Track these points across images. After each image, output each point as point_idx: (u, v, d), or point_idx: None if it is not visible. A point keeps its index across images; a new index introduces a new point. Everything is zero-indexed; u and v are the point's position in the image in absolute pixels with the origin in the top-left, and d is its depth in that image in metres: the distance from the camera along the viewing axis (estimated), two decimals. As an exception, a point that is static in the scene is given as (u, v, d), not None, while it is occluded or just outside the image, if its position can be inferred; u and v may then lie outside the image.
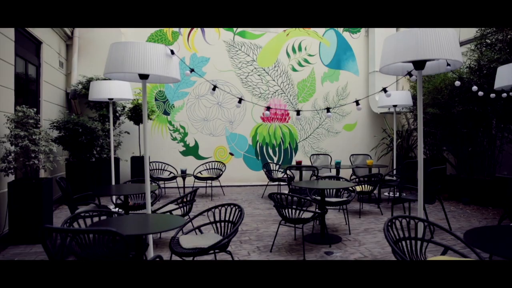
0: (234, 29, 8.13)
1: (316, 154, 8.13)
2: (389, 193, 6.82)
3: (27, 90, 5.39)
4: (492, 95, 4.52)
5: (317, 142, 8.64)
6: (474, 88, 4.07)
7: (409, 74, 2.98)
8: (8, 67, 4.46)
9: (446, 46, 2.48)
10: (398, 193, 6.10)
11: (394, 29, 8.66)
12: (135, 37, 7.53)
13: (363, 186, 5.28)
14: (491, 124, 6.04)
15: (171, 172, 7.04)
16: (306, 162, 8.19)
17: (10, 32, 4.58)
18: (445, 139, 6.70)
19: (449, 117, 6.22)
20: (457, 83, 3.73)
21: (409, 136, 7.89)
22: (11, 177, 4.26)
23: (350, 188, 4.55)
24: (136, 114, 6.87)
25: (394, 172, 6.52)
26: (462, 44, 6.89)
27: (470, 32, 6.45)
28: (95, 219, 2.66)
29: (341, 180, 4.87)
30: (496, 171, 6.12)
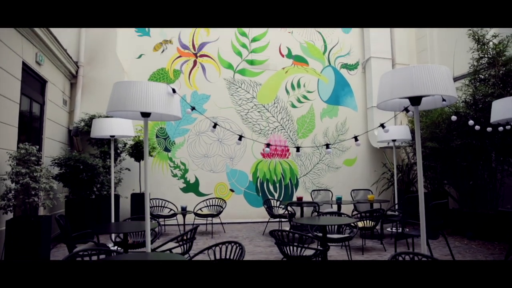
0: (234, 66, 8.35)
1: (317, 190, 8.09)
2: (391, 229, 6.72)
3: (30, 127, 5.47)
4: (489, 129, 4.58)
5: (318, 177, 8.63)
6: (471, 122, 4.14)
7: (406, 110, 3.03)
8: (13, 105, 4.56)
9: (440, 82, 2.55)
10: (400, 229, 6.02)
11: (390, 65, 8.89)
12: (138, 75, 7.73)
13: (365, 221, 5.22)
14: (491, 157, 6.06)
15: (171, 209, 6.98)
16: (307, 198, 8.14)
17: (18, 71, 4.72)
18: (445, 172, 6.69)
19: (448, 151, 6.25)
20: (454, 117, 3.79)
21: (410, 170, 7.89)
22: (10, 215, 4.23)
23: (352, 224, 4.50)
24: (137, 150, 6.92)
25: (396, 207, 6.46)
26: (456, 79, 7.06)
27: (463, 68, 6.62)
28: (94, 258, 2.62)
29: (342, 216, 4.82)
30: (499, 205, 6.07)
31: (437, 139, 6.29)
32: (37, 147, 4.44)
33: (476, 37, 5.97)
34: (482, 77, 5.89)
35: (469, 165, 6.13)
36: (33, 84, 5.53)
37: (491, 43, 5.87)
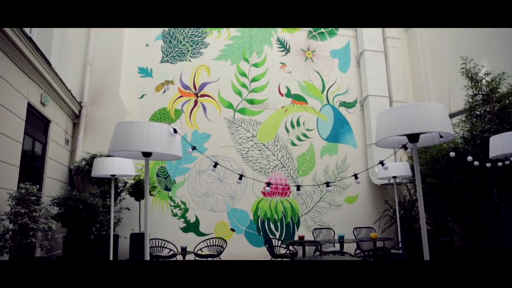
0: (235, 106, 8.50)
1: (318, 228, 7.97)
2: (396, 268, 6.54)
3: (32, 166, 5.49)
4: (488, 165, 4.59)
5: (319, 215, 8.53)
6: (469, 158, 4.16)
7: (404, 147, 3.07)
8: (16, 145, 4.61)
9: (437, 119, 2.60)
10: (406, 268, 5.86)
11: (388, 103, 9.06)
12: (140, 115, 7.85)
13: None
14: (493, 193, 6.03)
15: (171, 250, 6.84)
16: (308, 236, 8.00)
17: (23, 112, 4.82)
18: (448, 209, 6.63)
19: (450, 187, 6.23)
20: (452, 154, 3.82)
21: (412, 207, 7.81)
22: (6, 257, 4.15)
23: (356, 263, 4.40)
24: (137, 190, 6.89)
25: (400, 245, 6.34)
26: (453, 115, 7.17)
27: (459, 104, 6.74)
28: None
29: (345, 255, 4.72)
30: (505, 241, 5.95)
31: (437, 175, 6.29)
32: (38, 186, 4.44)
33: (469, 74, 6.13)
34: (478, 113, 5.99)
35: (471, 201, 6.09)
36: (37, 124, 5.62)
37: (484, 80, 6.03)
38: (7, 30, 4.13)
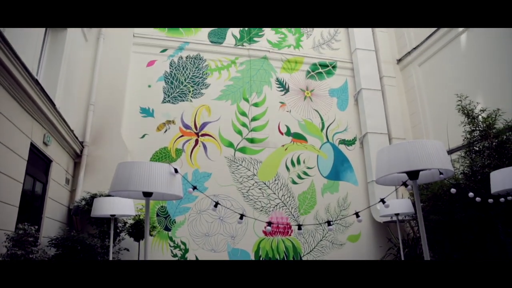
0: (235, 145, 8.57)
1: (322, 268, 7.75)
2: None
3: (31, 206, 5.46)
4: (490, 201, 4.56)
5: (322, 255, 8.34)
6: (471, 194, 4.15)
7: (405, 184, 3.08)
8: (16, 185, 4.61)
9: (436, 156, 2.63)
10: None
11: (387, 140, 9.12)
12: (141, 154, 7.89)
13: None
14: (498, 229, 5.93)
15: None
16: (312, 277, 7.77)
17: (25, 152, 4.87)
18: (453, 246, 6.49)
19: (453, 224, 6.14)
20: (453, 190, 3.82)
21: (416, 245, 7.65)
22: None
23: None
24: (137, 230, 6.79)
25: (406, 285, 6.14)
26: (452, 151, 7.20)
27: (458, 140, 6.80)
28: None
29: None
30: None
31: (440, 212, 6.22)
32: (36, 227, 4.40)
33: (466, 111, 6.23)
34: (477, 148, 6.03)
35: (476, 238, 5.98)
36: (38, 163, 5.65)
37: (480, 116, 6.12)
38: (15, 72, 4.26)
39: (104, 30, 8.30)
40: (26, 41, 5.00)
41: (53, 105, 5.59)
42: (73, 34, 6.93)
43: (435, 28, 8.73)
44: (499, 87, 7.08)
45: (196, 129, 8.52)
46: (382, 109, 9.43)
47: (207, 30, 9.37)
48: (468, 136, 6.19)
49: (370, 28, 10.22)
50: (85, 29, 7.62)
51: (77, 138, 7.06)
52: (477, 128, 6.09)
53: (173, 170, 2.96)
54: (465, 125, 6.28)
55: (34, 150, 5.31)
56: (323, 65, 9.86)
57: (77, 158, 7.42)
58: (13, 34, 4.29)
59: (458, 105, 6.37)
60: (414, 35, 9.67)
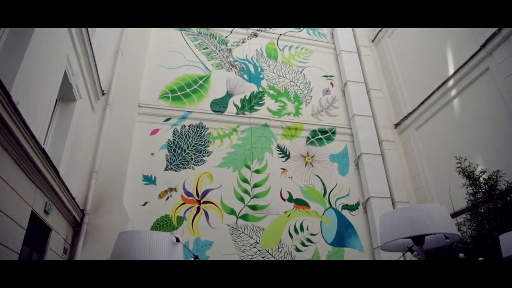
0: (237, 212, 8.47)
1: None
2: None
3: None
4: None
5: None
6: (461, 255, 4.00)
7: (410, 250, 3.00)
8: (12, 256, 4.50)
9: (440, 220, 2.60)
10: None
11: (390, 204, 9.02)
12: (142, 223, 7.77)
13: None
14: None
15: None
16: None
17: (25, 221, 4.82)
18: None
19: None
20: (461, 255, 3.69)
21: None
22: None
23: None
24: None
25: None
26: (457, 214, 7.08)
27: (462, 202, 6.72)
28: None
29: None
30: None
31: (452, 280, 5.95)
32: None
33: (466, 173, 6.26)
34: (482, 211, 5.95)
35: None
36: (37, 232, 5.56)
37: (481, 178, 6.13)
38: (24, 142, 4.38)
39: (111, 100, 8.66)
40: (37, 111, 5.21)
41: (57, 173, 5.65)
42: (82, 105, 7.23)
43: (429, 94, 9.10)
44: (497, 149, 7.18)
45: (198, 196, 8.48)
46: (383, 173, 9.47)
47: (209, 100, 9.76)
48: (472, 198, 6.14)
49: (367, 95, 10.64)
50: (93, 99, 7.96)
51: (78, 206, 7.01)
52: (480, 190, 6.07)
53: (174, 239, 2.91)
54: (467, 187, 6.26)
55: (34, 219, 5.25)
56: (323, 131, 10.10)
57: (76, 226, 7.30)
58: (25, 105, 4.50)
59: (458, 167, 6.42)
60: (409, 100, 10.06)
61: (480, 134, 7.70)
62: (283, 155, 9.52)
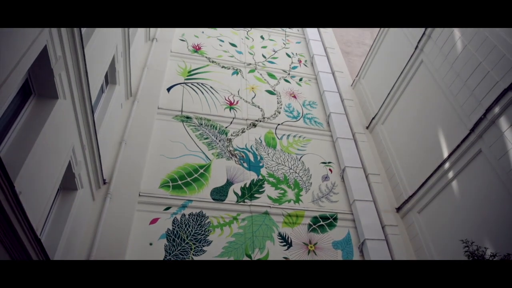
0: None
1: None
2: None
3: None
4: None
5: None
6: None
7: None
8: None
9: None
10: None
11: None
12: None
13: None
14: None
15: None
16: None
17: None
18: None
19: None
20: None
21: None
22: None
23: None
24: None
25: None
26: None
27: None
28: None
29: None
30: None
31: None
32: None
33: (475, 257, 6.02)
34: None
35: None
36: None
37: (487, 256, 5.90)
38: (20, 233, 4.33)
39: (112, 189, 8.69)
40: (38, 201, 5.23)
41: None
42: (82, 194, 7.26)
43: (427, 176, 9.18)
44: (503, 230, 7.03)
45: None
46: (389, 259, 9.09)
47: (210, 188, 9.80)
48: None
49: (366, 180, 10.72)
50: (94, 188, 8.01)
51: None
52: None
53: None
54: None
55: None
56: (324, 218, 9.94)
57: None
58: (27, 195, 4.55)
59: (466, 251, 6.21)
60: (408, 184, 10.10)
61: (483, 216, 7.60)
62: (284, 243, 9.23)
